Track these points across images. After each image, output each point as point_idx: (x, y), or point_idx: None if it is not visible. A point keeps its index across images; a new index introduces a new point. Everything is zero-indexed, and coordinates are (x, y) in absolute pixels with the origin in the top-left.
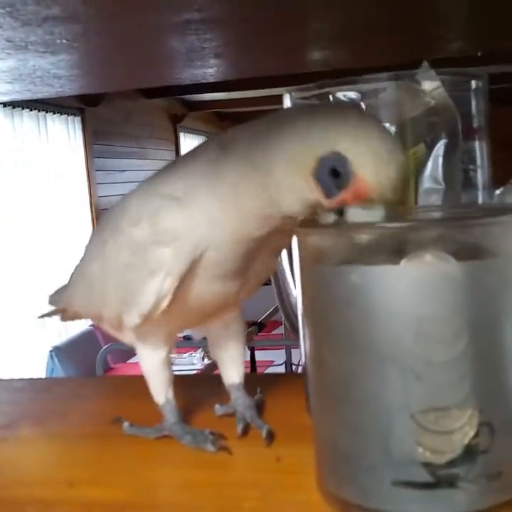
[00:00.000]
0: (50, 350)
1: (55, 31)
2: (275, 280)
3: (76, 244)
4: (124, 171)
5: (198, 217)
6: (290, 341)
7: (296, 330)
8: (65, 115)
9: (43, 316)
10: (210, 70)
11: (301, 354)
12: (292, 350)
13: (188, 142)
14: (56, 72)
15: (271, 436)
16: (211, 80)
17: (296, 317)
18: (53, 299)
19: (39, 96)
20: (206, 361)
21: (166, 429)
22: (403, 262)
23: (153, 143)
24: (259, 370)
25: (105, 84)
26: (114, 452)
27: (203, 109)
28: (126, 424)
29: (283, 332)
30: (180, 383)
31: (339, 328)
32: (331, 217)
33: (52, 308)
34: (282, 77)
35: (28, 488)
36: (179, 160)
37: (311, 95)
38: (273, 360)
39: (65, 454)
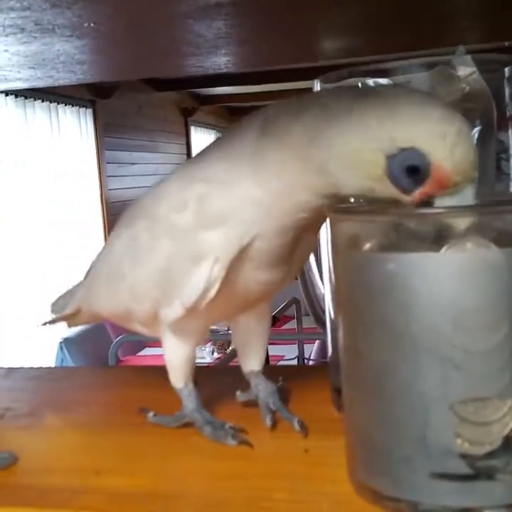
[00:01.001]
0: (60, 342)
1: (83, 14)
2: (300, 272)
3: (87, 236)
4: (135, 164)
5: (245, 202)
6: (302, 335)
7: (321, 321)
8: (77, 107)
9: (46, 324)
10: (233, 58)
11: (328, 345)
12: (304, 345)
13: (199, 136)
14: (80, 57)
15: (304, 428)
16: (233, 69)
17: (322, 308)
18: (58, 305)
19: (61, 82)
20: (216, 355)
21: (187, 415)
22: (443, 250)
23: (164, 136)
24: (270, 364)
25: (128, 72)
26: (139, 441)
27: (214, 103)
28: (151, 413)
29: (295, 327)
30: (199, 375)
31: (375, 317)
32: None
33: (54, 314)
34: (292, 71)
35: (54, 477)
36: (218, 142)
37: (340, 85)
38: (284, 354)
39: (90, 443)
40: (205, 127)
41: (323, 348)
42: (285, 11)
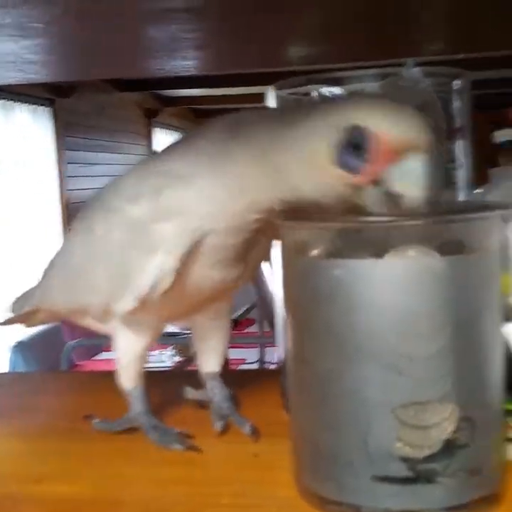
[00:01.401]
0: (14, 346)
1: (31, 14)
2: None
3: (44, 237)
4: (96, 164)
5: (202, 197)
6: (264, 339)
7: (273, 326)
8: (35, 105)
9: (3, 324)
10: (191, 62)
11: (279, 351)
12: (266, 348)
13: (162, 137)
14: (29, 57)
15: (255, 433)
16: (192, 72)
17: (274, 313)
18: (17, 304)
19: (9, 81)
20: (177, 359)
21: (133, 419)
22: (387, 257)
23: (127, 137)
24: (231, 367)
25: (81, 72)
26: (82, 448)
27: (178, 104)
28: (96, 420)
29: (257, 330)
30: (151, 379)
31: (321, 323)
32: (373, 195)
33: (14, 314)
34: (259, 75)
35: None
36: (183, 140)
37: (295, 91)
38: (245, 358)
39: (32, 450)
40: (168, 129)
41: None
42: (243, 17)
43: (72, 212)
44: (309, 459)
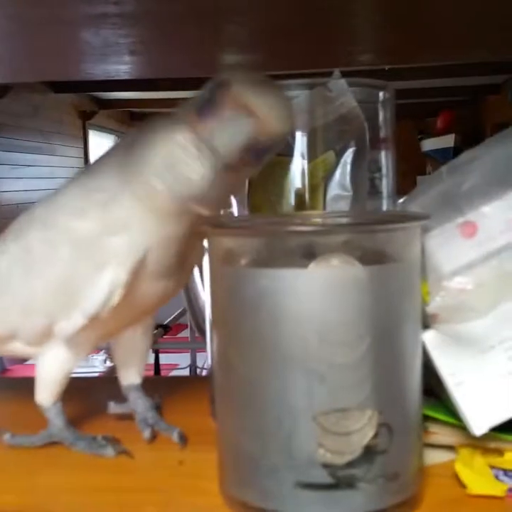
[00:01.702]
0: None
1: None
2: None
3: None
4: (30, 166)
5: (134, 214)
6: (195, 344)
7: (203, 332)
8: None
9: None
10: (123, 67)
11: (208, 357)
12: (197, 353)
13: (98, 140)
14: None
15: (183, 439)
16: (125, 77)
17: (204, 319)
18: None
19: None
20: (108, 364)
21: (55, 435)
22: (310, 266)
23: (61, 139)
24: (163, 373)
25: (12, 74)
26: (5, 457)
27: (114, 107)
28: (7, 435)
29: (188, 335)
30: (81, 386)
31: (246, 330)
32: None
33: None
34: (196, 79)
35: None
36: (110, 152)
37: None
38: (178, 363)
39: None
40: (104, 131)
41: None
42: (175, 23)
43: (3, 214)
44: (233, 466)
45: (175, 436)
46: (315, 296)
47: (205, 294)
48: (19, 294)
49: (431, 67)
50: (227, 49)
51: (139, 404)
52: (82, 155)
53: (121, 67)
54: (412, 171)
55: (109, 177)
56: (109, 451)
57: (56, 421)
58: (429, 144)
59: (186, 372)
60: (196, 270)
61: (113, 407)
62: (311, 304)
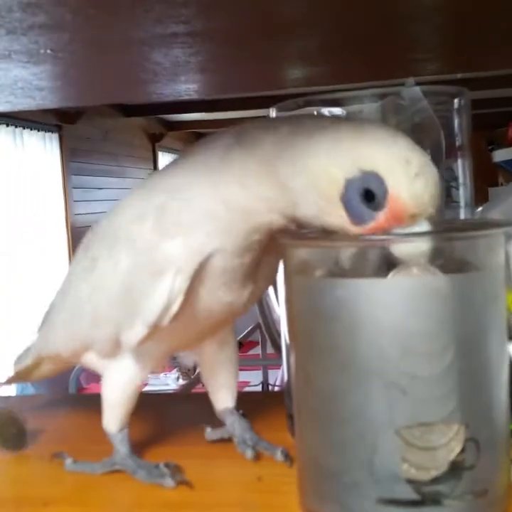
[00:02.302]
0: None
1: (40, 40)
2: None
3: (52, 262)
4: (102, 188)
5: (205, 215)
6: (267, 361)
7: (278, 347)
8: (43, 132)
9: (6, 384)
10: (193, 86)
11: (283, 372)
12: (269, 370)
13: (167, 161)
14: (38, 83)
15: (288, 458)
16: (194, 96)
17: (279, 334)
18: (19, 360)
19: (20, 108)
20: (181, 381)
21: (118, 463)
22: (390, 276)
23: (132, 161)
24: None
25: (88, 98)
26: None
27: (182, 128)
28: (68, 460)
29: (260, 352)
30: (156, 402)
31: (324, 342)
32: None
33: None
34: (261, 98)
35: (1, 507)
36: (185, 155)
37: (295, 113)
38: (249, 380)
39: (38, 473)
40: (172, 153)
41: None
42: (242, 41)
43: (78, 236)
44: (314, 481)
45: (278, 456)
46: (395, 306)
47: (279, 308)
48: (88, 303)
49: (500, 76)
50: (295, 63)
51: (237, 427)
52: None
53: (191, 86)
54: (483, 182)
55: (182, 176)
56: (169, 482)
57: (121, 448)
58: (500, 155)
59: (258, 390)
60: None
61: (210, 433)
62: (391, 314)
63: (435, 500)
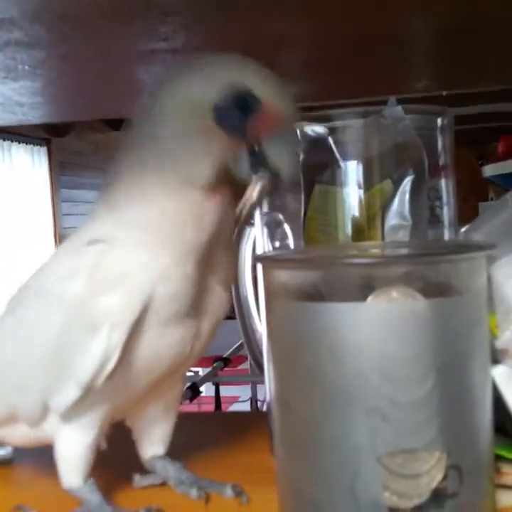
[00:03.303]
0: None
1: (16, 57)
2: (240, 314)
3: None
4: (91, 202)
5: (135, 252)
6: (256, 377)
7: (261, 366)
8: (31, 145)
9: None
10: None
11: (266, 392)
12: (258, 386)
13: None
14: (18, 99)
15: (241, 494)
16: None
17: (261, 353)
18: None
19: (1, 123)
20: None
21: (92, 511)
22: (370, 299)
23: None
24: (223, 406)
25: (69, 114)
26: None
27: None
28: None
29: (249, 367)
30: None
31: (304, 368)
32: (245, 165)
33: None
34: None
35: None
36: (96, 203)
37: None
38: (238, 395)
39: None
40: None
41: None
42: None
43: None
44: (295, 509)
45: (228, 493)
46: (375, 330)
47: (262, 327)
48: (14, 369)
49: (490, 91)
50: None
51: (170, 470)
52: None
53: None
54: (473, 197)
55: (97, 227)
56: None
57: (93, 498)
58: (490, 170)
59: (247, 405)
60: (253, 302)
61: (139, 481)
62: (371, 338)
63: None
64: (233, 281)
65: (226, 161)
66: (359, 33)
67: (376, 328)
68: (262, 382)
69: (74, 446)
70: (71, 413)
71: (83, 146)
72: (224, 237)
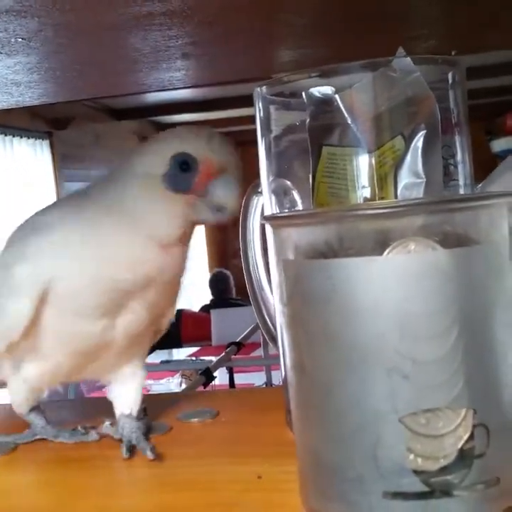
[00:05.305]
0: None
1: (9, 28)
2: (250, 285)
3: None
4: None
5: (60, 246)
6: (269, 361)
7: (274, 339)
8: (33, 139)
9: None
10: (177, 74)
11: (281, 365)
12: (272, 371)
13: None
14: (14, 77)
15: (155, 454)
16: (179, 85)
17: (274, 324)
18: None
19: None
20: (184, 386)
21: (38, 432)
22: (386, 252)
23: None
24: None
25: (66, 93)
26: (81, 477)
27: None
28: None
29: (262, 353)
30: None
31: (318, 328)
32: (202, 207)
33: None
34: (249, 97)
35: None
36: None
37: (282, 91)
38: (253, 382)
39: (29, 481)
40: None
41: None
42: (228, 20)
43: None
44: (315, 478)
45: (148, 454)
46: (392, 285)
47: (273, 296)
48: None
49: (497, 64)
50: (283, 45)
51: (126, 428)
52: None
53: (175, 75)
54: (481, 173)
55: (49, 213)
56: (93, 435)
57: (38, 421)
58: (499, 145)
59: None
60: (262, 270)
61: (105, 427)
62: (388, 294)
63: (444, 491)
64: (168, 316)
65: (186, 215)
66: None
67: (394, 283)
68: (276, 366)
69: (18, 387)
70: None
71: (84, 138)
72: (170, 283)
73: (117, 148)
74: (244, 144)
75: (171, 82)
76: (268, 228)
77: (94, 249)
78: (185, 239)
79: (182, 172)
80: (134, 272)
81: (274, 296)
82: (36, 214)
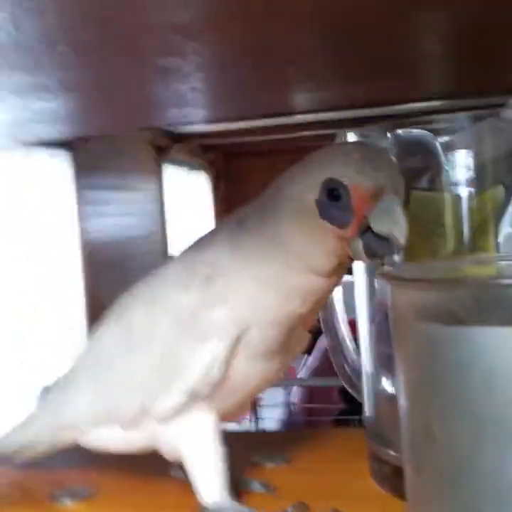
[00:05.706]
0: (41, 391)
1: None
2: (329, 334)
3: (65, 279)
4: (110, 204)
5: (244, 289)
6: (289, 382)
7: (354, 386)
8: (53, 150)
9: None
10: (199, 112)
11: (365, 405)
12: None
13: (171, 173)
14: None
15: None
16: (203, 122)
17: (357, 375)
18: (8, 440)
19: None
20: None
21: None
22: None
23: (138, 175)
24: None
25: (98, 127)
26: None
27: (188, 141)
28: None
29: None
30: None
31: (453, 396)
32: (359, 244)
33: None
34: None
35: None
36: (217, 230)
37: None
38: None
39: None
40: (176, 164)
41: (304, 392)
42: (245, 71)
43: (94, 255)
44: None
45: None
46: None
47: (358, 350)
48: (120, 372)
49: None
50: (302, 88)
51: None
52: (158, 190)
53: (197, 113)
54: None
55: (220, 251)
56: None
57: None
58: None
59: (280, 410)
60: (342, 319)
61: (175, 471)
62: None
63: None
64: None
65: (341, 249)
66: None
67: None
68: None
69: (202, 447)
70: (168, 421)
71: (105, 149)
72: (322, 302)
73: (131, 157)
74: (263, 154)
75: (191, 119)
76: (382, 284)
77: (274, 290)
78: (345, 266)
79: (332, 201)
80: (306, 303)
81: (361, 348)
82: (195, 253)
